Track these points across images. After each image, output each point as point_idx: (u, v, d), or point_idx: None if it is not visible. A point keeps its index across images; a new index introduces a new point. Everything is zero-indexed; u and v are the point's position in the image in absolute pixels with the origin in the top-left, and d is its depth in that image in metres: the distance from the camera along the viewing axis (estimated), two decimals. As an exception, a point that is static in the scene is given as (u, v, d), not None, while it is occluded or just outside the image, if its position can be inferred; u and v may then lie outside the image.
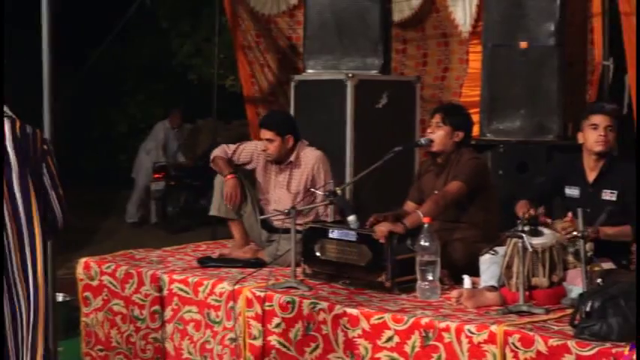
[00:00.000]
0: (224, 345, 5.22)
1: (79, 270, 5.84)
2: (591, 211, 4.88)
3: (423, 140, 5.73)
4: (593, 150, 5.21)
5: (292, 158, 6.03)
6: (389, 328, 4.55)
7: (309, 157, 6.03)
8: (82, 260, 5.88)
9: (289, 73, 8.18)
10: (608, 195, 5.18)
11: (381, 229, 5.10)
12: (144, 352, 5.58)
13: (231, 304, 5.15)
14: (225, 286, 5.23)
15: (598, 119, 5.20)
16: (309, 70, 7.38)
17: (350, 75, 6.97)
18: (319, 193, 5.63)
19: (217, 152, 6.17)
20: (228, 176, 6.00)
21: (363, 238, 5.18)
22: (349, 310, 4.71)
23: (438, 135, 5.57)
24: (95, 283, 5.76)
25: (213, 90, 10.31)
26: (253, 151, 6.18)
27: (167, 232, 12.11)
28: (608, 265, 4.92)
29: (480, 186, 5.51)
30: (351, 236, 5.24)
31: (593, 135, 5.19)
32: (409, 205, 5.68)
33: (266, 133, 6.01)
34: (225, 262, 5.78)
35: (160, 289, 5.50)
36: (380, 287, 5.07)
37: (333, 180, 5.92)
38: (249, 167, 6.23)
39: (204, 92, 13.02)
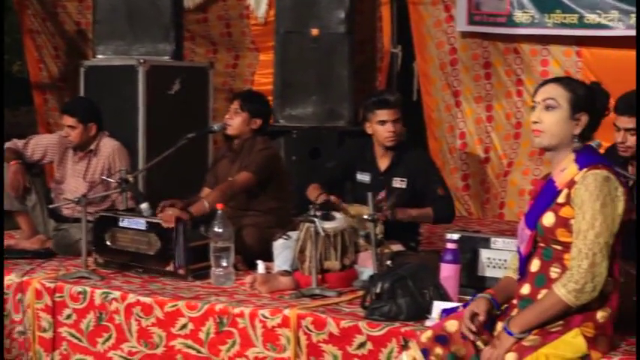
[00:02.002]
0: (12, 339, 5.05)
1: None
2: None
3: (216, 126, 5.71)
4: (384, 144, 5.33)
5: (93, 147, 5.92)
6: (183, 316, 4.52)
7: (107, 146, 5.93)
8: None
9: (80, 59, 7.98)
10: (399, 183, 5.32)
11: (167, 215, 5.04)
12: None
13: (19, 296, 4.99)
14: (12, 278, 5.05)
15: (385, 115, 5.30)
16: (99, 56, 7.21)
17: (141, 61, 6.86)
18: (112, 181, 5.52)
19: (8, 144, 5.98)
20: (12, 162, 5.83)
21: (152, 227, 5.11)
22: (142, 299, 4.65)
23: (235, 121, 5.56)
24: None
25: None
26: (47, 145, 6.02)
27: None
28: (397, 248, 5.06)
29: (271, 176, 5.54)
30: (141, 225, 5.16)
31: (383, 131, 5.30)
32: (205, 191, 5.65)
33: (68, 120, 5.87)
34: (11, 253, 5.58)
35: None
36: (171, 275, 5.02)
37: (127, 168, 5.82)
38: (44, 161, 6.08)
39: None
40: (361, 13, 7.97)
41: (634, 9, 6.73)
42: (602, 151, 4.74)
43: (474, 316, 3.52)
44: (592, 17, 6.95)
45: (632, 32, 6.78)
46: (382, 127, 5.29)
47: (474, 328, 3.49)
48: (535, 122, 3.55)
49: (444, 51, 7.79)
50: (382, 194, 5.07)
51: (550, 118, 3.52)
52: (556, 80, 3.62)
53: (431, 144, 7.90)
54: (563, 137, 3.52)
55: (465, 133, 7.78)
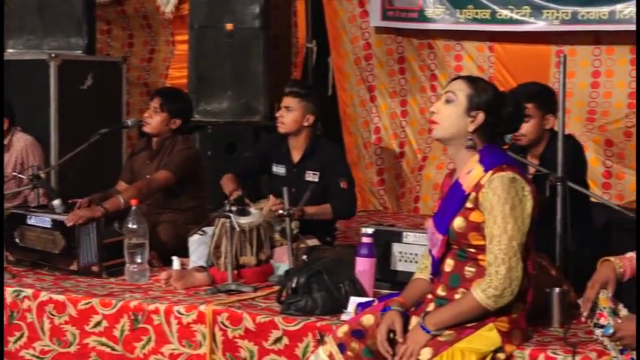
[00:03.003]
0: None
1: None
2: (296, 190, 5.01)
3: (130, 122, 5.67)
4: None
5: (6, 142, 5.82)
6: (97, 313, 4.46)
7: (20, 141, 5.85)
8: None
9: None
10: (311, 176, 5.33)
11: (76, 215, 4.97)
12: None
13: None
14: None
15: (282, 101, 5.36)
16: (10, 50, 7.07)
17: (53, 55, 6.75)
18: (24, 177, 5.43)
19: None
20: None
21: (57, 225, 5.03)
22: (55, 297, 4.57)
23: (154, 120, 5.50)
24: None
25: None
26: None
27: None
28: (313, 242, 5.05)
29: (190, 176, 5.50)
30: (47, 223, 5.07)
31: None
32: (121, 185, 5.59)
33: None
34: None
35: None
36: (78, 274, 4.94)
37: (40, 163, 5.74)
38: None
39: None
40: (276, 8, 7.96)
41: (546, 4, 6.84)
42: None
43: (389, 332, 3.52)
44: (504, 13, 7.05)
45: (544, 27, 6.89)
46: (278, 112, 5.37)
47: (390, 351, 3.48)
48: (432, 112, 3.60)
49: (358, 46, 7.82)
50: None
51: (446, 110, 3.56)
52: (465, 77, 3.66)
53: (346, 139, 7.93)
54: (457, 132, 3.55)
55: (380, 127, 7.82)
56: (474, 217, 3.49)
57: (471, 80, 3.61)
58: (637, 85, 4.62)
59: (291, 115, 5.32)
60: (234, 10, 7.42)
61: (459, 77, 3.67)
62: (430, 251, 3.66)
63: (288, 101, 5.33)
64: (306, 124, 5.34)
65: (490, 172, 3.46)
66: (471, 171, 3.52)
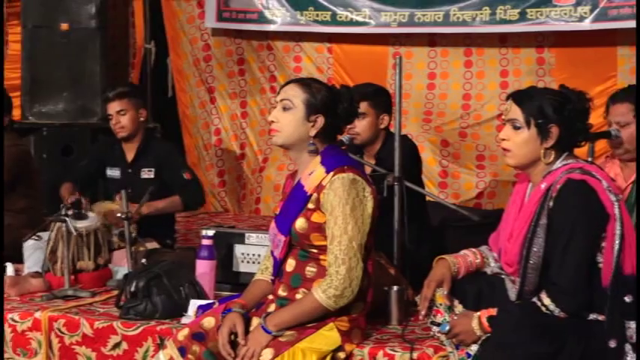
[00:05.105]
0: None
1: None
2: (133, 190, 4.95)
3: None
4: (118, 136, 5.35)
5: None
6: None
7: None
8: None
9: None
10: (147, 173, 5.30)
11: None
12: None
13: None
14: None
15: (110, 109, 5.33)
16: None
17: None
18: None
19: None
20: None
21: None
22: None
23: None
24: None
25: None
26: None
27: None
28: (152, 245, 5.00)
29: (21, 174, 5.36)
30: None
31: (112, 125, 5.34)
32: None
33: None
34: None
35: None
36: None
37: None
38: None
39: None
40: (113, 8, 7.85)
41: (384, 7, 6.96)
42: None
43: (230, 334, 3.50)
44: (344, 14, 7.13)
45: (383, 29, 7.00)
46: (111, 121, 5.31)
47: (232, 353, 3.47)
48: (272, 122, 3.60)
49: (197, 47, 7.78)
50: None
51: (286, 118, 3.56)
52: (297, 81, 3.68)
53: (186, 140, 7.87)
54: (299, 137, 3.57)
55: (220, 129, 7.80)
56: (316, 217, 3.51)
57: (304, 84, 3.62)
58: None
59: (127, 116, 5.27)
60: (70, 9, 7.29)
61: (291, 81, 3.68)
62: (272, 252, 3.66)
63: (117, 105, 5.29)
64: (142, 119, 5.37)
65: (331, 173, 3.49)
66: (313, 172, 3.55)
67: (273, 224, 3.66)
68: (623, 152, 4.31)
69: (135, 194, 4.88)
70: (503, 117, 3.52)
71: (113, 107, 5.30)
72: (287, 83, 3.67)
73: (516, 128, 3.40)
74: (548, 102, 3.37)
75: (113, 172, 5.38)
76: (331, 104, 3.57)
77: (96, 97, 7.28)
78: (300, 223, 3.53)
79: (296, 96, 3.56)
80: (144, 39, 7.96)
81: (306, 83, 3.62)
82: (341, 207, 3.45)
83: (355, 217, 3.46)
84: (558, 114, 3.36)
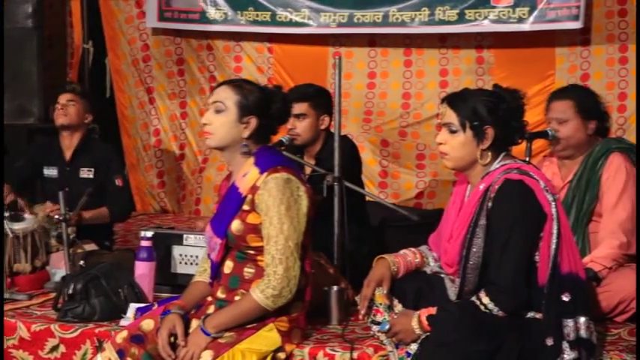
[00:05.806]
0: None
1: None
2: (71, 190, 4.89)
3: None
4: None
5: None
6: None
7: None
8: None
9: None
10: (86, 173, 5.27)
11: None
12: None
13: None
14: None
15: (61, 97, 5.31)
16: None
17: None
18: None
19: None
20: None
21: None
22: None
23: None
24: None
25: None
26: None
27: None
28: (90, 247, 4.96)
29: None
30: None
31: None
32: None
33: None
34: None
35: None
36: None
37: None
38: None
39: None
40: (50, 8, 7.79)
41: (324, 7, 6.97)
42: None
43: (170, 336, 3.48)
44: (284, 15, 7.12)
45: (322, 30, 7.01)
46: (56, 110, 5.34)
47: (172, 355, 3.45)
48: (205, 124, 3.59)
49: (136, 47, 7.71)
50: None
51: (218, 120, 3.56)
52: (229, 83, 3.68)
53: (125, 141, 7.81)
54: (232, 140, 3.57)
55: (160, 130, 7.75)
56: (251, 219, 3.51)
57: (236, 85, 3.62)
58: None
59: (74, 108, 5.29)
60: (7, 8, 7.18)
61: (223, 83, 3.68)
62: (209, 255, 3.65)
63: (69, 96, 5.31)
64: (86, 121, 5.36)
65: (265, 174, 3.49)
66: (247, 173, 3.54)
67: (208, 227, 3.65)
68: (562, 149, 4.37)
69: (73, 194, 4.82)
70: (439, 121, 3.54)
71: (65, 97, 5.30)
72: (219, 85, 3.67)
73: (452, 132, 3.43)
74: (482, 103, 3.40)
75: (50, 172, 5.32)
76: (264, 105, 3.57)
77: (33, 98, 7.23)
78: (235, 225, 3.53)
79: (228, 98, 3.56)
80: (82, 39, 7.89)
81: (237, 85, 3.61)
82: (276, 207, 3.46)
83: (290, 216, 3.47)
84: (493, 115, 3.39)
